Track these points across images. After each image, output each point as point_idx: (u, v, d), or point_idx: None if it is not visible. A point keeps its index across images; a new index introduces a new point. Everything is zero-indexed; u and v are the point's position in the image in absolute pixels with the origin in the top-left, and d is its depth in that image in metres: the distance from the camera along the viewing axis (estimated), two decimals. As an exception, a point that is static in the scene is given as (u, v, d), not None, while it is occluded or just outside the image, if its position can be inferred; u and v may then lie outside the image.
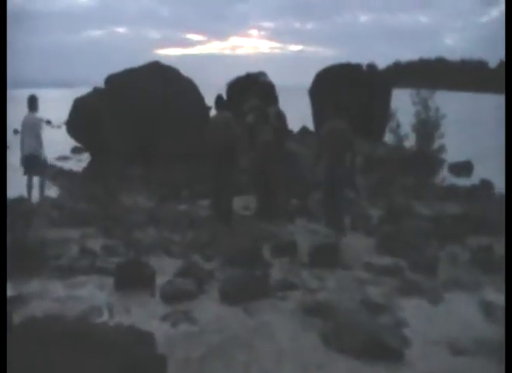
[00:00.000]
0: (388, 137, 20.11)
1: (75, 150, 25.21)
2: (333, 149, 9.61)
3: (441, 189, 14.46)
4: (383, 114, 22.55)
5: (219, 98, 10.97)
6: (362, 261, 7.64)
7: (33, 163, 13.63)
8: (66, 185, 16.61)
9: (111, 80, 16.83)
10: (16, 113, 47.84)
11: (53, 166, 20.49)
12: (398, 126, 18.11)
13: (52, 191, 16.01)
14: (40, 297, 6.61)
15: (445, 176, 16.05)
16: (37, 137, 13.32)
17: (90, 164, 18.44)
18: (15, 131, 35.96)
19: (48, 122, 42.46)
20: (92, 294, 6.76)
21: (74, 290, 6.94)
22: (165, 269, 7.50)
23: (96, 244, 8.90)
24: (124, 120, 16.24)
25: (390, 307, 5.85)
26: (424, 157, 16.20)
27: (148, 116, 15.59)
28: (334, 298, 5.84)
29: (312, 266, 7.30)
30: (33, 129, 13.32)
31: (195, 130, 15.69)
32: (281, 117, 10.96)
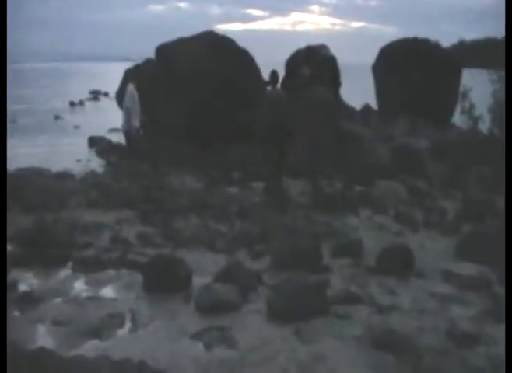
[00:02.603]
0: (459, 119, 18.31)
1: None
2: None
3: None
4: (452, 94, 20.79)
5: (273, 74, 10.08)
6: (440, 268, 6.33)
7: (128, 139, 13.32)
8: (113, 160, 15.75)
9: (162, 50, 15.72)
10: (89, 84, 47.99)
11: (103, 139, 19.82)
12: (472, 106, 16.29)
13: (98, 166, 15.23)
14: (56, 295, 5.63)
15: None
16: (128, 112, 12.88)
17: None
18: (72, 104, 35.82)
19: (106, 94, 42.24)
20: (116, 295, 5.74)
21: (97, 288, 5.95)
22: (205, 266, 6.43)
23: (131, 231, 7.90)
24: (176, 93, 15.14)
25: (483, 338, 4.56)
26: (501, 142, 14.50)
27: (200, 89, 14.43)
28: (412, 325, 4.59)
29: (380, 272, 6.04)
30: (128, 102, 12.93)
31: (251, 106, 14.48)
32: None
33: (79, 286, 6.06)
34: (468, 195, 10.32)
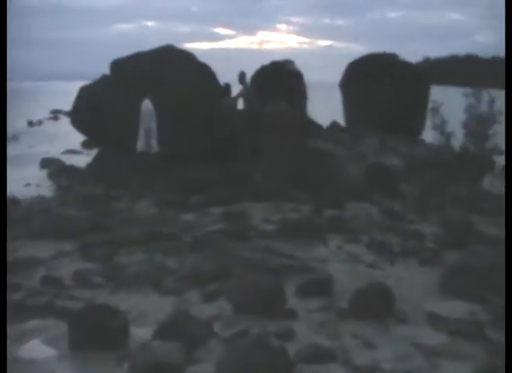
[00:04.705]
0: (429, 135, 17.69)
1: (85, 143, 23.17)
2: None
3: (500, 198, 12.08)
4: (421, 109, 20.24)
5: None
6: (424, 309, 5.42)
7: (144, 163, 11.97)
8: (64, 184, 14.60)
9: (118, 65, 14.73)
10: (51, 104, 46.90)
11: (55, 161, 18.61)
12: (444, 122, 15.64)
13: (48, 191, 14.06)
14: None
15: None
16: (147, 132, 11.62)
17: (95, 160, 16.29)
18: (30, 123, 34.44)
19: (67, 113, 40.91)
20: (36, 354, 4.70)
21: (15, 345, 4.90)
22: (148, 313, 5.43)
23: (68, 268, 6.84)
24: (132, 111, 14.13)
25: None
26: (478, 159, 13.83)
27: (158, 106, 13.46)
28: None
29: (355, 317, 5.11)
30: (143, 121, 11.71)
31: (211, 123, 13.57)
32: None
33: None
34: (445, 217, 9.52)
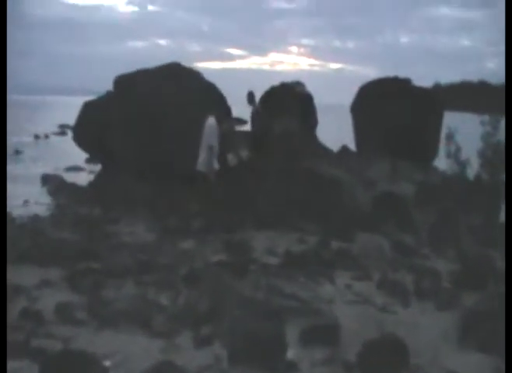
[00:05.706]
0: (443, 163, 17.12)
1: (90, 160, 22.68)
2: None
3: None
4: (434, 135, 19.72)
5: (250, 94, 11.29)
6: (443, 365, 4.82)
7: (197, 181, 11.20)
8: (62, 203, 14.08)
9: (121, 81, 14.27)
10: (60, 118, 46.62)
11: (57, 178, 18.08)
12: (459, 150, 15.12)
13: (45, 210, 13.53)
14: None
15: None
16: (210, 151, 10.96)
17: (97, 179, 15.77)
18: (36, 136, 34.17)
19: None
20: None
21: (-20, 393, 4.33)
22: (134, 358, 4.85)
23: (52, 299, 6.27)
24: (135, 129, 13.64)
25: None
26: (495, 189, 13.24)
27: (161, 125, 12.99)
28: None
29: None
30: (210, 138, 10.98)
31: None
32: None
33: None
34: (461, 252, 8.93)
